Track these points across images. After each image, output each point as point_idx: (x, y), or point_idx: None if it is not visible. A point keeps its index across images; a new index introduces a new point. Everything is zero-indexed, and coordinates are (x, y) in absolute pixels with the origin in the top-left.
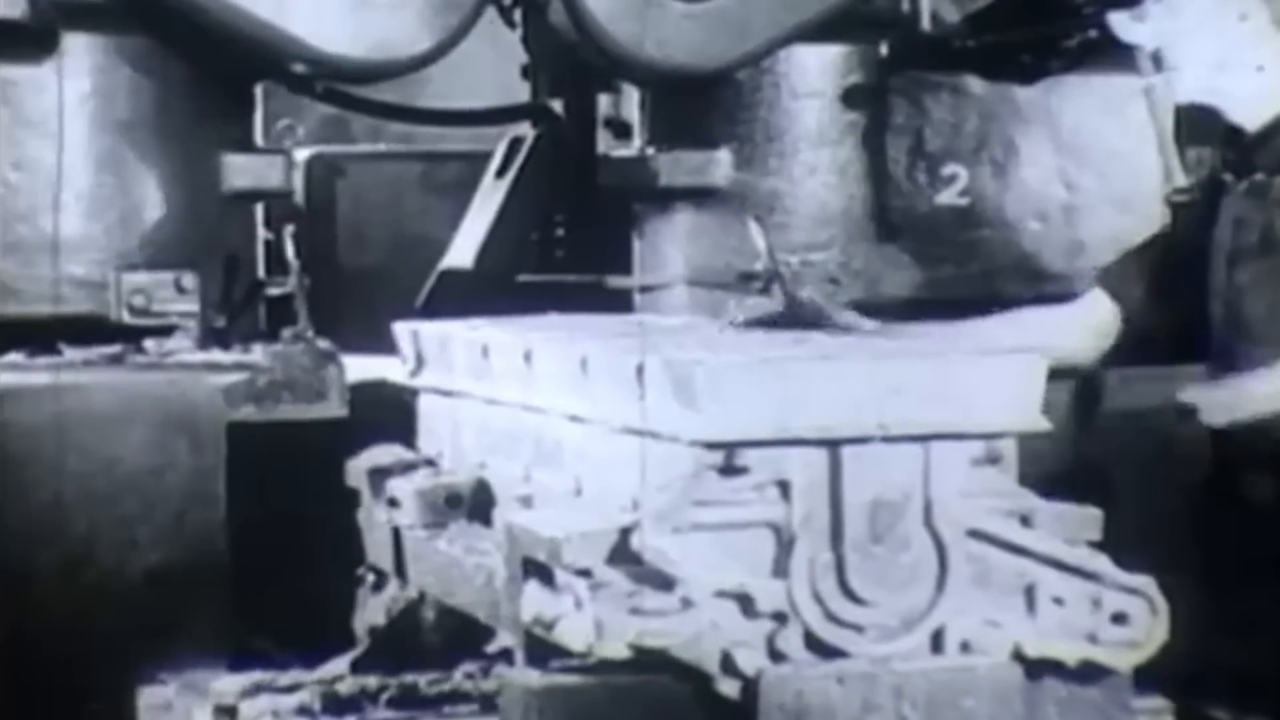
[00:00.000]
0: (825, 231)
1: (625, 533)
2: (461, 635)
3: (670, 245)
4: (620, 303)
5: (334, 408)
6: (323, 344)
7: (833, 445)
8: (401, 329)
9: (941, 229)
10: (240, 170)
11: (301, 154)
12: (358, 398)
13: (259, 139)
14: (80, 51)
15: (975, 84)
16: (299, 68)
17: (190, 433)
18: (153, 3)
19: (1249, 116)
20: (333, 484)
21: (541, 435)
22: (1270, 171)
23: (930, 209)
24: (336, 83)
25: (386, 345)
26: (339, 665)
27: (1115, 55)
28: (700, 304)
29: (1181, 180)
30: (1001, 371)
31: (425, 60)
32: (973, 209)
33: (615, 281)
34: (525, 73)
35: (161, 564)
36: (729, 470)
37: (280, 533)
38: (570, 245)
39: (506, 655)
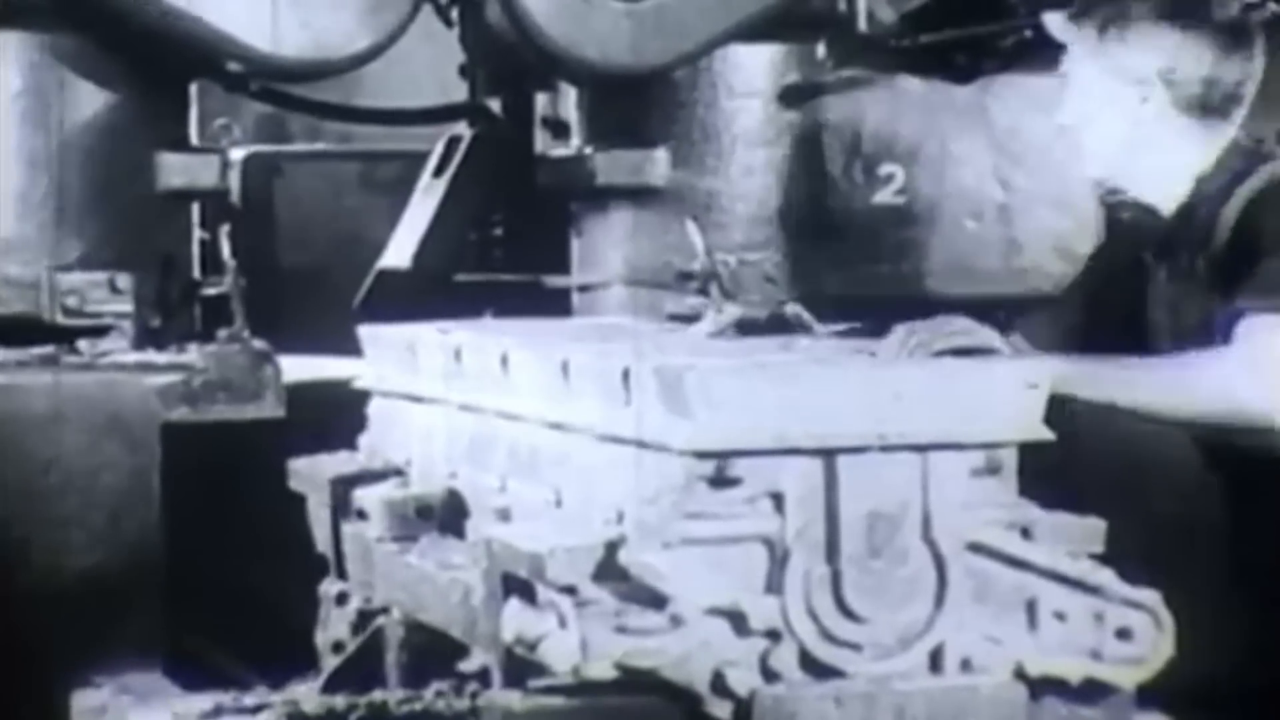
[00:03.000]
0: (762, 231)
1: (612, 547)
2: (432, 652)
3: (608, 244)
4: (558, 302)
5: (270, 408)
6: (259, 344)
7: (828, 455)
8: (367, 332)
9: (878, 228)
10: (175, 169)
11: (238, 153)
12: (295, 398)
13: (194, 138)
14: (12, 49)
15: (912, 83)
16: (234, 66)
17: (124, 434)
18: (86, 1)
19: (1160, 198)
20: (269, 485)
21: (517, 443)
22: (1193, 250)
23: (867, 208)
24: (273, 81)
25: (324, 345)
26: (304, 684)
27: (1050, 55)
28: (639, 303)
29: None
30: (1003, 378)
31: (362, 59)
32: (909, 208)
33: (553, 281)
34: (463, 72)
35: (96, 566)
36: (720, 482)
37: (216, 534)
38: (508, 244)
39: (481, 674)
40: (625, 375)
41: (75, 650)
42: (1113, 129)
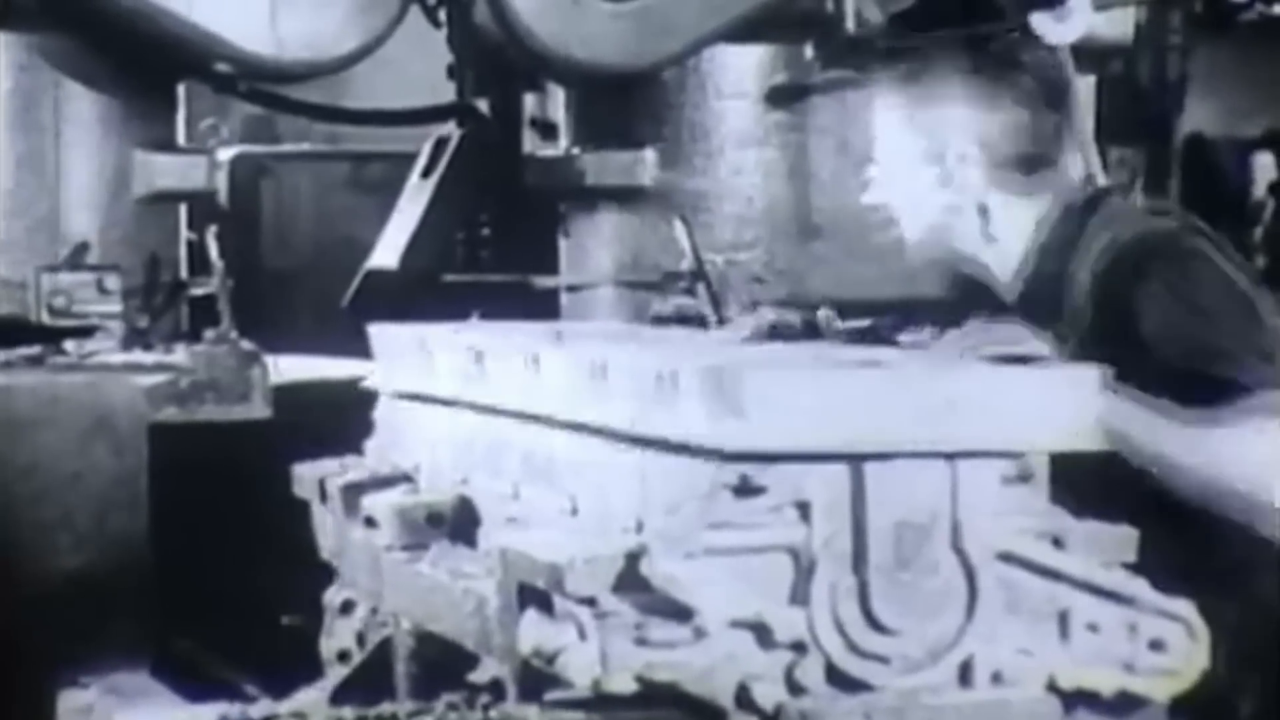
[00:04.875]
0: (750, 231)
1: (632, 558)
2: (441, 663)
3: (596, 245)
4: (546, 302)
5: (257, 409)
6: (246, 345)
7: (855, 463)
8: (377, 331)
9: (866, 229)
10: (163, 170)
11: (225, 154)
12: (282, 399)
13: (182, 139)
14: (1, 50)
15: None
16: (222, 67)
17: (111, 435)
18: (74, 2)
19: (996, 264)
20: (257, 485)
21: (531, 450)
22: (1049, 315)
23: (855, 209)
24: (261, 82)
25: (312, 346)
26: (311, 696)
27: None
28: (626, 303)
29: (1102, 179)
30: (1063, 383)
31: (350, 60)
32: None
33: (541, 281)
34: (451, 72)
35: (82, 568)
36: (744, 490)
37: (203, 535)
38: (496, 245)
39: (493, 685)
40: (671, 376)
41: (62, 651)
42: (931, 202)
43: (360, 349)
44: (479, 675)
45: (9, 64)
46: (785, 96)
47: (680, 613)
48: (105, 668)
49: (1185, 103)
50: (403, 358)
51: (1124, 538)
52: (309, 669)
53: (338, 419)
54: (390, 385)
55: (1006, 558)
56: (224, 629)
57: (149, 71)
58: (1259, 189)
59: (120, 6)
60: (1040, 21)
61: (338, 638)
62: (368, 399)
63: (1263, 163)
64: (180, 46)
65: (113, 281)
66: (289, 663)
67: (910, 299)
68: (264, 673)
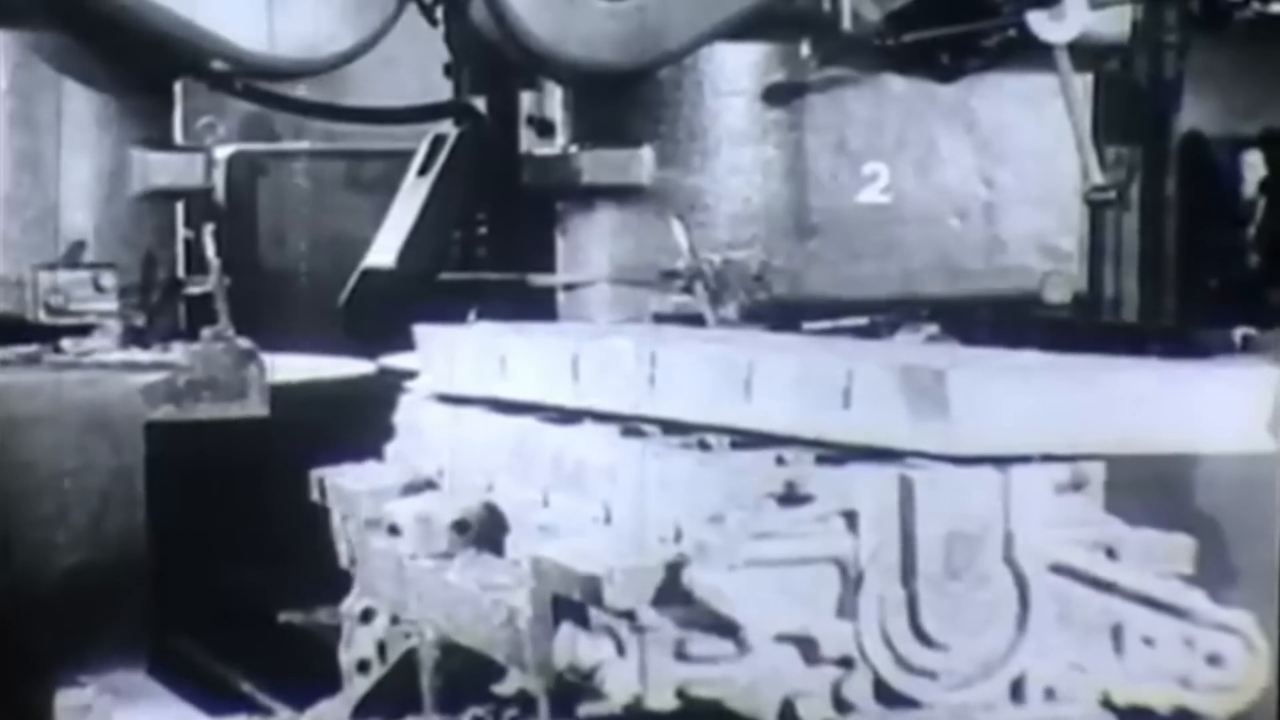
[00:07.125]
0: (747, 229)
1: (673, 569)
2: (467, 675)
3: (593, 243)
4: (543, 300)
5: (254, 406)
6: (243, 343)
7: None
8: (425, 333)
9: (863, 227)
10: (160, 168)
11: (222, 151)
12: (279, 397)
13: (179, 136)
14: None
15: (896, 82)
16: (219, 65)
17: (108, 432)
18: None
19: None
20: (254, 483)
21: (561, 455)
22: None
23: (852, 207)
24: (258, 80)
25: (308, 344)
26: (333, 707)
27: (1033, 54)
28: (623, 301)
29: (1099, 178)
30: (1260, 386)
31: (347, 57)
32: (894, 207)
33: (538, 280)
34: (448, 70)
35: (79, 566)
36: (790, 499)
37: (200, 532)
38: (493, 243)
39: (520, 697)
40: (848, 377)
41: (60, 650)
42: None
43: (358, 348)
44: (505, 687)
45: (6, 62)
46: (782, 95)
47: (723, 626)
48: (102, 666)
49: (1182, 101)
50: (473, 361)
51: (1180, 547)
52: (306, 667)
53: (335, 417)
54: (446, 389)
55: (1059, 569)
56: (221, 627)
57: (146, 69)
58: (1250, 188)
59: (118, 4)
60: (1036, 21)
61: (358, 647)
62: (366, 398)
63: (1252, 161)
64: (178, 44)
65: (109, 279)
66: (286, 660)
67: (906, 297)
68: (261, 671)
